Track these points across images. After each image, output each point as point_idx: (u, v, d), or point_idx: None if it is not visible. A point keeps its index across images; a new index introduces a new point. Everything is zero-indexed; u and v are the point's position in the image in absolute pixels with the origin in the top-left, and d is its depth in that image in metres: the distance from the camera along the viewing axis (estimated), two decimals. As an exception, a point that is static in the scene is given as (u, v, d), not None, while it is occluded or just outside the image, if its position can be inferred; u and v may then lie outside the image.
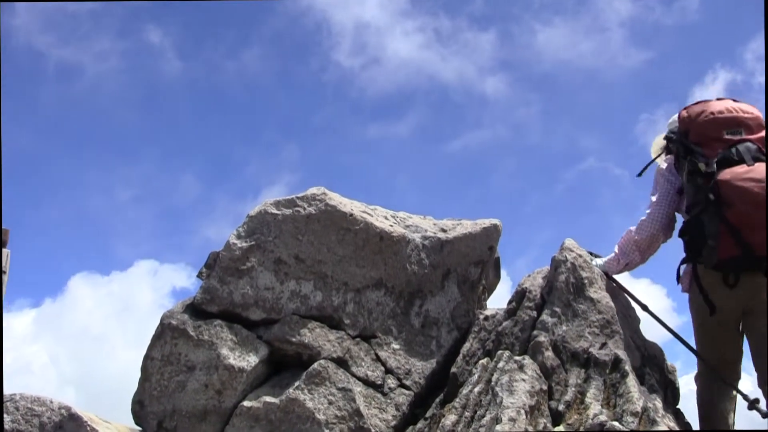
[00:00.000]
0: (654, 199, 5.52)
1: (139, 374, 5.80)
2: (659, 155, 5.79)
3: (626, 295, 5.85)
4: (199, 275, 5.97)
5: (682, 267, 5.41)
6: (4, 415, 4.77)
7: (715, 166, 5.07)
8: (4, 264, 8.73)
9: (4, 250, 8.80)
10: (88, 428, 4.76)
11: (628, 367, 5.12)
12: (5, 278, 8.76)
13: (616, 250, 5.67)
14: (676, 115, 5.55)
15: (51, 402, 4.86)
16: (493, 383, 5.12)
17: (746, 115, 5.25)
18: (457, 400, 5.24)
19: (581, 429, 4.76)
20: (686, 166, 5.22)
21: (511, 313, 5.69)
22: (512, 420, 4.73)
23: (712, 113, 5.26)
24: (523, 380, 5.03)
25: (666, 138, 5.66)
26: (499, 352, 5.38)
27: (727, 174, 4.99)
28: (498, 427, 4.70)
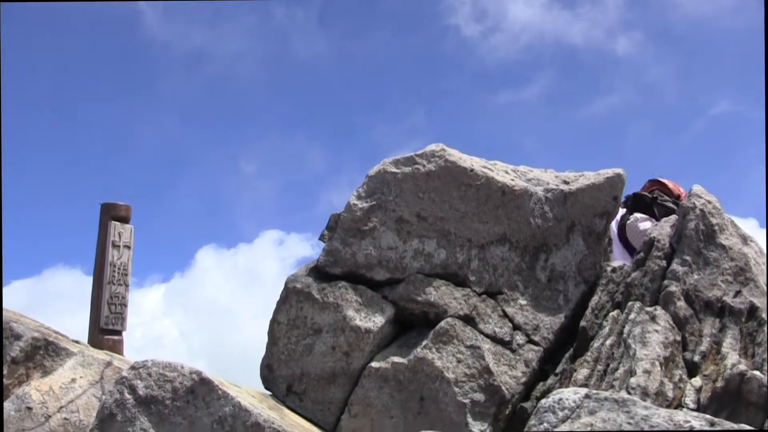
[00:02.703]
0: None
1: (266, 341, 5.87)
2: None
3: None
4: (321, 238, 5.97)
5: None
6: (138, 381, 4.86)
7: None
8: (128, 240, 8.93)
9: (128, 226, 9.00)
10: (219, 392, 4.81)
11: (765, 315, 4.98)
12: (130, 253, 8.97)
13: None
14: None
15: (182, 367, 4.91)
16: (624, 335, 5.02)
17: None
18: (589, 354, 5.16)
19: (720, 379, 4.65)
20: None
21: (639, 263, 5.56)
22: (647, 372, 4.65)
23: None
24: (656, 331, 4.93)
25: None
26: (630, 303, 5.26)
27: None
28: (633, 380, 4.62)
